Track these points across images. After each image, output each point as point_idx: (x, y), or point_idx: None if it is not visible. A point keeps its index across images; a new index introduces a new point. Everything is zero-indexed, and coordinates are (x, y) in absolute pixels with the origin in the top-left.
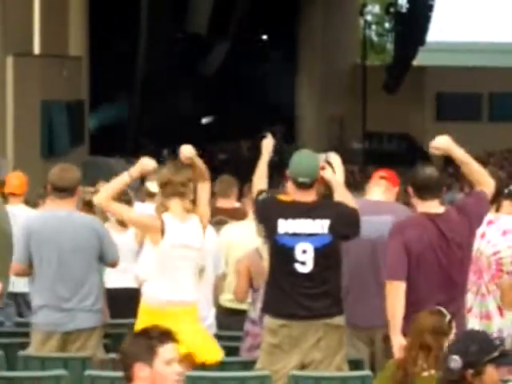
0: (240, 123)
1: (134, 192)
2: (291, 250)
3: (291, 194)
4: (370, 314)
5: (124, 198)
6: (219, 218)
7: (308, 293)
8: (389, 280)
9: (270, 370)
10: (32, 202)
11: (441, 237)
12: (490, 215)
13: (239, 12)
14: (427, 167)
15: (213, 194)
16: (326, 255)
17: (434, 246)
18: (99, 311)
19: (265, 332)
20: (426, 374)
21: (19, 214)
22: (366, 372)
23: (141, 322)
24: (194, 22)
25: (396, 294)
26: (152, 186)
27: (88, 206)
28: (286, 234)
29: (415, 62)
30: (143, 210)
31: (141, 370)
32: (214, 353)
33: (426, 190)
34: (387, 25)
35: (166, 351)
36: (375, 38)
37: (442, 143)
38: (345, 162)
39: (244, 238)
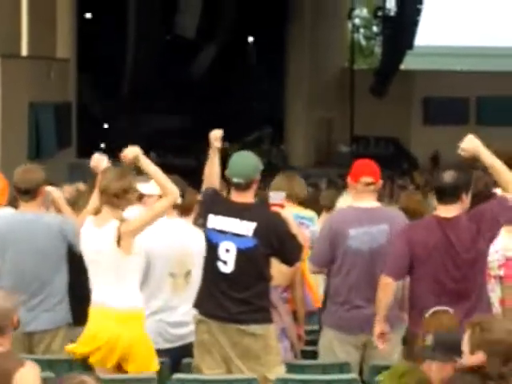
0: (228, 126)
1: None
2: (216, 246)
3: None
4: (365, 320)
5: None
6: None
7: (227, 294)
8: (384, 275)
9: (202, 363)
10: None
11: (446, 241)
12: None
13: (227, 15)
14: (449, 171)
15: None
16: (249, 258)
17: (439, 250)
18: (63, 311)
19: (195, 327)
20: None
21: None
22: (352, 375)
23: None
24: (183, 25)
25: (385, 290)
26: (142, 187)
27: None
28: (214, 229)
29: (403, 66)
30: (133, 212)
31: None
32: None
33: (441, 194)
34: (375, 28)
35: None
36: (363, 42)
37: (470, 146)
38: (333, 165)
39: None
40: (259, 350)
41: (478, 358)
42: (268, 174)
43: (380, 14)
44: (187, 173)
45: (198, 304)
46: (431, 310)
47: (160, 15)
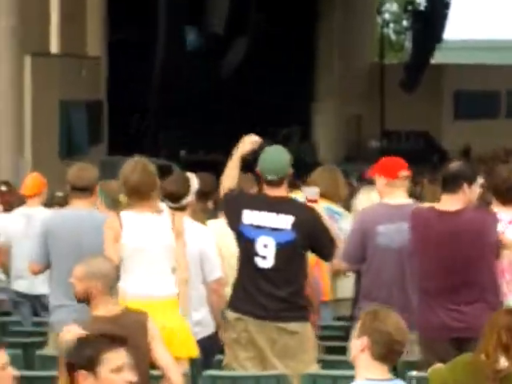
0: (257, 123)
1: None
2: (252, 241)
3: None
4: None
5: None
6: None
7: (266, 291)
8: None
9: (235, 361)
10: (50, 202)
11: (449, 234)
12: (510, 214)
13: (257, 12)
14: (454, 162)
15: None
16: (288, 252)
17: (440, 244)
18: None
19: (226, 325)
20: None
21: (36, 215)
22: None
23: None
24: (212, 22)
25: None
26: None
27: None
28: (251, 225)
29: (433, 60)
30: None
31: (84, 379)
32: (187, 349)
33: (443, 183)
34: (405, 23)
35: (112, 359)
36: (393, 37)
37: None
38: (363, 160)
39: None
40: (296, 349)
41: (363, 342)
42: (298, 170)
43: (410, 8)
44: (215, 168)
45: (234, 303)
46: (499, 311)
47: (190, 13)
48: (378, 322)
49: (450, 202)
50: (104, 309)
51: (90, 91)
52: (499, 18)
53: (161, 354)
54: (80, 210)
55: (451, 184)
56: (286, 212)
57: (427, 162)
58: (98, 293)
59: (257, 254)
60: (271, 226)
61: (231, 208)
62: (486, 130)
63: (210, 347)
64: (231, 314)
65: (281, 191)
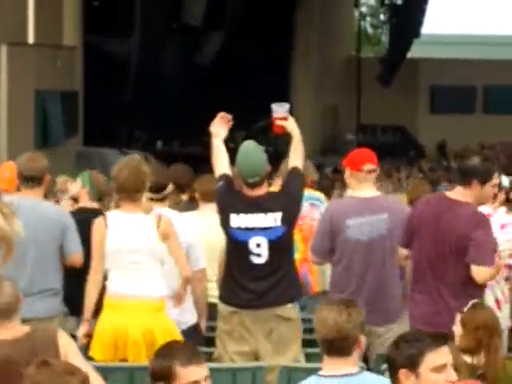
0: (234, 113)
1: None
2: (245, 243)
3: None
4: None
5: None
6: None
7: (262, 281)
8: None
9: (226, 354)
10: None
11: (439, 217)
12: (488, 209)
13: (234, 3)
14: (473, 156)
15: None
16: (281, 245)
17: (430, 223)
18: (58, 301)
19: (218, 318)
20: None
21: None
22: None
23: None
24: (189, 13)
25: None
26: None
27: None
28: (239, 228)
29: (410, 55)
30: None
31: (406, 378)
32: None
33: (455, 175)
34: (382, 17)
35: (434, 358)
36: (370, 30)
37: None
38: (339, 153)
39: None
40: (291, 337)
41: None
42: (275, 162)
43: (387, 2)
44: (192, 161)
45: (228, 297)
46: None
47: (167, 3)
48: (315, 319)
49: (457, 194)
50: (4, 332)
51: (65, 81)
52: (476, 13)
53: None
54: (25, 199)
55: (462, 177)
56: (274, 209)
57: (403, 156)
58: None
59: (251, 253)
60: (261, 226)
61: (219, 208)
62: (462, 125)
63: (193, 338)
64: (224, 308)
65: (262, 189)
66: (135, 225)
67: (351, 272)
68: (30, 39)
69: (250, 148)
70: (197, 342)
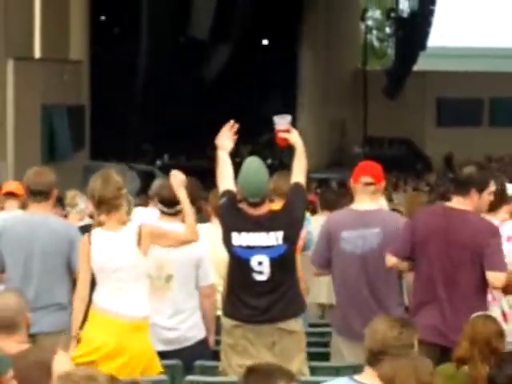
0: (240, 128)
1: (134, 196)
2: (247, 261)
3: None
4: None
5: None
6: None
7: (264, 297)
8: (388, 254)
9: (229, 367)
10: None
11: (445, 227)
12: (495, 221)
13: (241, 17)
14: (469, 166)
15: None
16: (283, 262)
17: (437, 234)
18: (66, 315)
19: (221, 332)
20: None
21: None
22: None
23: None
24: (196, 27)
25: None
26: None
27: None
28: (240, 246)
29: (416, 67)
30: (144, 214)
31: None
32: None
33: (453, 184)
34: (388, 30)
35: None
36: (376, 43)
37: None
38: (346, 166)
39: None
40: (295, 349)
41: None
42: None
43: (393, 15)
44: (198, 174)
45: (231, 312)
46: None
47: (173, 17)
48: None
49: (457, 203)
50: (3, 347)
51: (72, 95)
52: (482, 25)
53: None
54: (34, 214)
55: (460, 186)
56: (275, 229)
57: (410, 168)
58: None
59: (253, 270)
60: (263, 245)
61: (221, 226)
62: (468, 138)
63: (200, 352)
64: (227, 321)
65: (264, 208)
66: (117, 243)
67: (345, 285)
68: (37, 54)
69: (252, 168)
70: (204, 356)
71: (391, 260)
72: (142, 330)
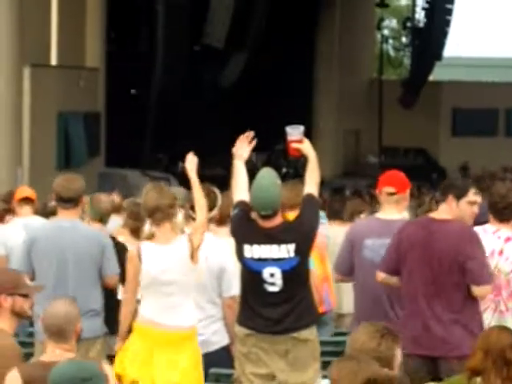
0: (255, 136)
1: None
2: (259, 273)
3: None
4: None
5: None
6: None
7: (277, 308)
8: (378, 271)
9: (243, 375)
10: (43, 212)
11: (428, 238)
12: (508, 232)
13: (257, 26)
14: (456, 176)
15: None
16: (295, 275)
17: (420, 245)
18: (100, 321)
19: (235, 340)
20: None
21: (33, 225)
22: None
23: (133, 341)
24: (212, 35)
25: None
26: None
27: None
28: (252, 258)
29: (431, 77)
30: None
31: None
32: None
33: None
34: (404, 39)
35: None
36: (392, 53)
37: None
38: (361, 175)
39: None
40: (308, 357)
41: None
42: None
43: (409, 24)
44: (214, 182)
45: (245, 321)
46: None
47: (189, 25)
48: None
49: (439, 212)
50: (49, 354)
51: (88, 102)
52: (498, 36)
53: None
54: (63, 221)
55: (442, 194)
56: (287, 241)
57: (426, 178)
58: (45, 338)
59: (265, 282)
60: (274, 257)
61: (233, 237)
62: (483, 148)
63: (224, 358)
64: (241, 330)
65: (276, 220)
66: (169, 256)
67: (364, 292)
68: (53, 61)
69: (264, 181)
70: (226, 363)
71: (379, 275)
72: (192, 339)
